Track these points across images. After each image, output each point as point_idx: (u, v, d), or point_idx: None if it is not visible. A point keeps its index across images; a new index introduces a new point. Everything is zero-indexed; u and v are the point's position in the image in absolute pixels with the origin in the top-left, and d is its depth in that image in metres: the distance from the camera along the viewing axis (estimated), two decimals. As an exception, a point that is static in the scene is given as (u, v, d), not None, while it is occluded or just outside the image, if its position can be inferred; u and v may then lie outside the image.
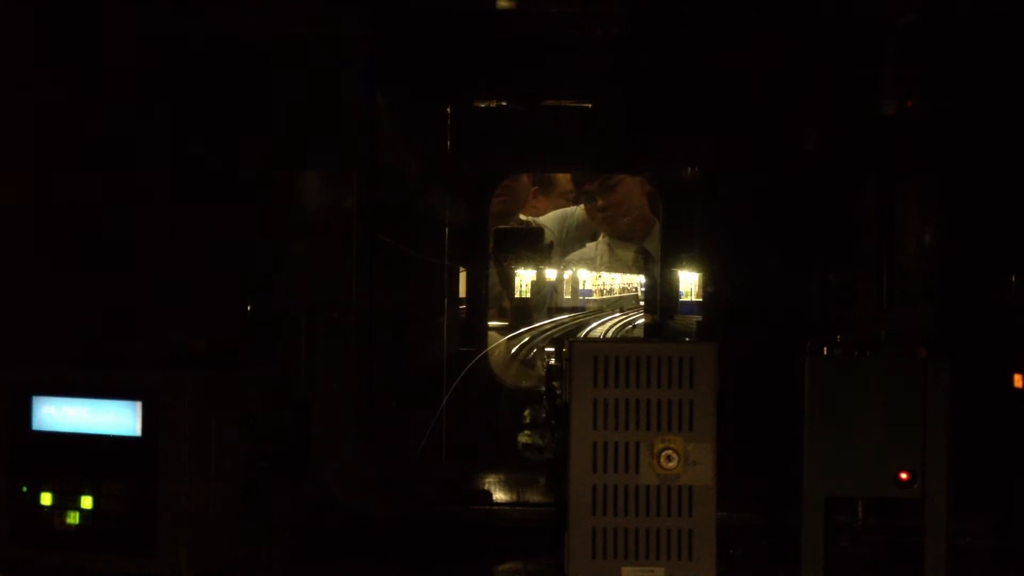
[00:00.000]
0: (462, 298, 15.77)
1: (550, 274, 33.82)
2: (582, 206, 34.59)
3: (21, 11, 3.25)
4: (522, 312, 28.78)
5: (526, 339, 22.02)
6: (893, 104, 3.46)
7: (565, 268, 35.80)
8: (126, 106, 3.64)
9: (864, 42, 3.76)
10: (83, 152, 3.48)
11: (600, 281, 45.94)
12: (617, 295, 49.07)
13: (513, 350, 20.59)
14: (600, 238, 37.91)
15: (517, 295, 30.58)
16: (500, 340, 21.11)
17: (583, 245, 36.67)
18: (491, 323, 22.45)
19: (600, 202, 35.36)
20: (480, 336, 17.57)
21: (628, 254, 40.23)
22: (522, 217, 30.24)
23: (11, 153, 3.22)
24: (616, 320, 36.73)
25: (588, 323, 34.35)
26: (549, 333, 23.59)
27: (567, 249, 34.18)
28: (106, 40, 3.53)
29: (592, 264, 37.65)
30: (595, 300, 44.95)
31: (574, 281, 38.74)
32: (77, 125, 3.44)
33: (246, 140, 4.01)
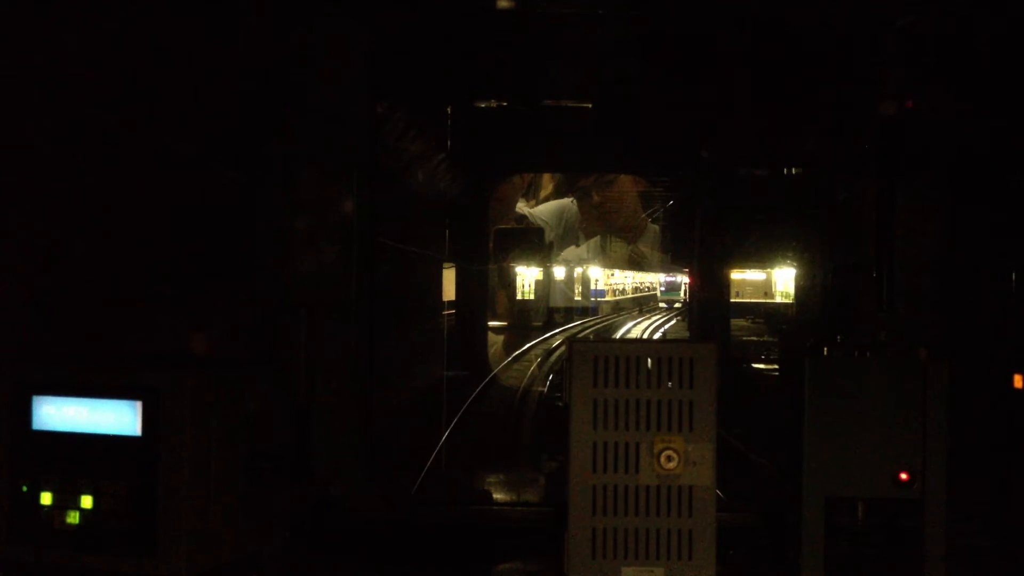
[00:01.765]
0: (449, 301, 13.55)
1: (558, 272, 32.11)
2: (574, 201, 34.09)
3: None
4: (523, 316, 27.82)
5: (534, 367, 18.75)
6: (893, 104, 3.46)
7: (575, 266, 34.81)
8: (121, 105, 3.63)
9: (864, 42, 3.76)
10: (81, 151, 3.48)
11: (612, 279, 44.09)
12: (630, 295, 47.35)
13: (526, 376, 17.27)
14: (583, 240, 37.18)
15: (519, 296, 29.37)
16: (504, 359, 18.65)
17: (579, 240, 35.93)
18: (492, 323, 21.57)
19: (596, 198, 35.09)
20: (476, 355, 15.29)
21: (622, 252, 39.69)
22: (519, 211, 29.63)
23: (10, 152, 3.22)
24: (642, 324, 34.71)
25: (609, 330, 32.46)
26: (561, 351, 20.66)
27: (564, 243, 33.66)
28: (110, 40, 3.53)
29: (586, 263, 36.84)
30: (608, 301, 43.07)
31: (584, 280, 37.32)
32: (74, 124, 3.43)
33: (247, 140, 4.01)
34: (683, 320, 36.50)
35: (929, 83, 4.07)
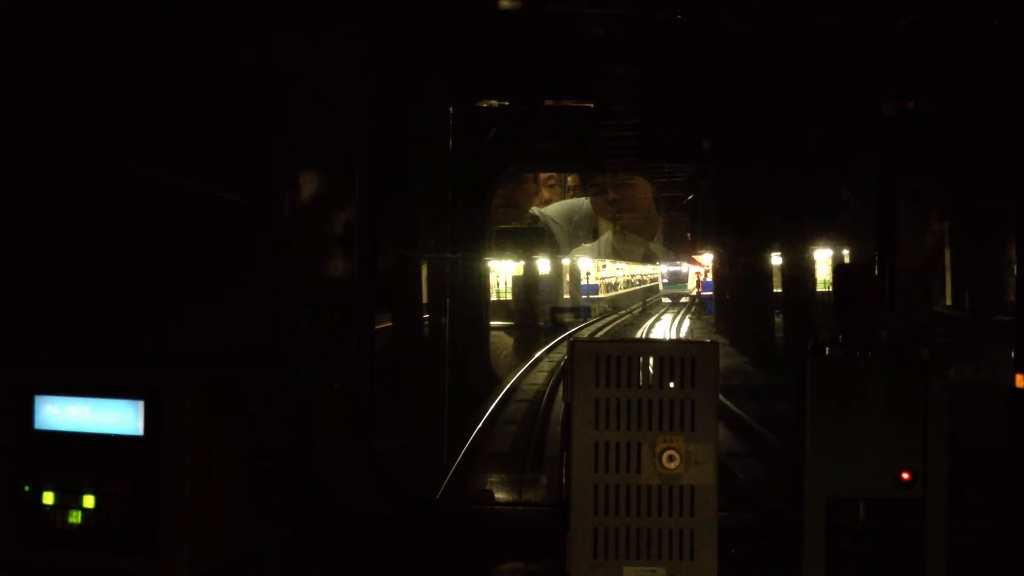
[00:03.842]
0: (425, 303, 11.07)
1: (543, 267, 28.53)
2: (588, 199, 33.46)
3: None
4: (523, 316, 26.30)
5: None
6: (893, 104, 3.46)
7: (562, 258, 33.21)
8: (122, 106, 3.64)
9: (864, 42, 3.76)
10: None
11: (603, 272, 41.51)
12: (623, 290, 44.46)
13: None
14: (603, 236, 36.46)
15: (494, 297, 26.64)
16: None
17: (590, 239, 35.14)
18: (495, 323, 20.94)
19: (611, 195, 34.63)
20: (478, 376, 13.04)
21: (636, 251, 38.73)
22: (532, 211, 29.07)
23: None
24: (659, 328, 31.85)
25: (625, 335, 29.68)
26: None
27: (574, 243, 33.00)
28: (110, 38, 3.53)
29: (578, 256, 35.41)
30: (604, 298, 40.58)
31: (574, 273, 35.02)
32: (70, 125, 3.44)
33: (247, 139, 4.01)
34: (696, 317, 34.58)
35: (930, 83, 4.07)
